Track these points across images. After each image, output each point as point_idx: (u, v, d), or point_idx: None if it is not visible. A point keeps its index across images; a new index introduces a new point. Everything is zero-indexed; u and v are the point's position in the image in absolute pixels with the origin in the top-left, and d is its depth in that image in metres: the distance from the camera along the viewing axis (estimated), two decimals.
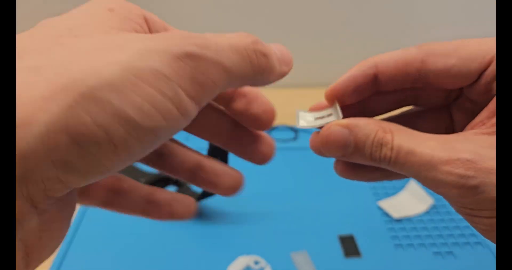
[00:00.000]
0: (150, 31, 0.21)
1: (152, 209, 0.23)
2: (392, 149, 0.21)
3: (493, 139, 0.20)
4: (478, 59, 0.22)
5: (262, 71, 0.20)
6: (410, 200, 0.48)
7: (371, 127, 0.22)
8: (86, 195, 0.22)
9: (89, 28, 0.17)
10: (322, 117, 0.25)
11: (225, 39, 0.18)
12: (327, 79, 0.89)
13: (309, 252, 0.41)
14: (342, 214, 0.46)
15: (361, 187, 0.50)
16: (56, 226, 0.16)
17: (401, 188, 0.49)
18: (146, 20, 0.21)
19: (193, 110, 0.17)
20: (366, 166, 0.24)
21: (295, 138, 0.61)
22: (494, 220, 0.20)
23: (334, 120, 0.23)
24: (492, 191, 0.19)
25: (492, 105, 0.21)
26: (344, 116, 0.24)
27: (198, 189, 0.47)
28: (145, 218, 0.24)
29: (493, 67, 0.22)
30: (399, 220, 0.45)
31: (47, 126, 0.13)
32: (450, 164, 0.20)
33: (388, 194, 0.49)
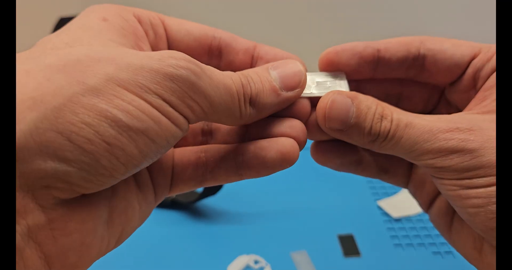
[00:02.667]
0: (146, 32, 0.21)
1: (252, 161, 0.21)
2: (391, 121, 0.21)
3: (489, 116, 0.21)
4: (469, 48, 0.24)
5: (249, 112, 0.20)
6: (409, 199, 0.48)
7: (371, 100, 0.22)
8: (178, 180, 0.22)
9: (86, 40, 0.18)
10: (325, 82, 0.23)
11: (220, 77, 0.19)
12: None
13: (308, 251, 0.41)
14: (342, 214, 0.47)
15: (361, 187, 0.51)
16: (73, 229, 0.16)
17: (400, 187, 0.49)
18: (139, 21, 0.21)
19: (183, 122, 0.17)
20: (343, 148, 0.24)
21: None
22: (492, 188, 0.19)
23: (335, 88, 0.22)
24: (492, 155, 0.19)
25: (480, 94, 0.22)
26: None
27: (199, 189, 0.47)
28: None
29: (482, 56, 0.23)
30: (398, 220, 0.46)
31: (36, 124, 0.14)
32: (450, 131, 0.20)
33: (388, 194, 0.49)
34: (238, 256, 0.40)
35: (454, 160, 0.20)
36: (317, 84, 0.22)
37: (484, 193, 0.19)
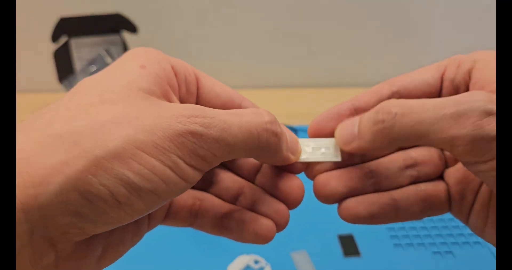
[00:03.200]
0: (179, 85, 0.23)
1: (233, 227, 0.25)
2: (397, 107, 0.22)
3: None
4: (435, 68, 0.25)
5: (268, 149, 0.21)
6: None
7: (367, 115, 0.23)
8: (171, 217, 0.25)
9: (119, 91, 0.19)
10: (319, 148, 0.25)
11: (236, 118, 0.20)
12: (326, 79, 0.89)
13: (308, 251, 0.41)
14: None
15: None
16: (72, 266, 0.18)
17: None
18: (174, 70, 0.22)
19: (194, 176, 0.19)
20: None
21: None
22: None
23: (328, 154, 0.24)
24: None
25: (472, 88, 0.23)
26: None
27: None
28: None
29: (450, 67, 0.24)
30: None
31: (61, 186, 0.16)
32: (475, 95, 0.20)
33: None
34: (238, 256, 0.40)
35: (484, 121, 0.19)
36: (313, 150, 0.25)
37: None
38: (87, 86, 0.20)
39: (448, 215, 0.46)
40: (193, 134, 0.18)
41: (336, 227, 0.44)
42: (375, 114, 0.22)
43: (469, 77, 0.24)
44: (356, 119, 0.23)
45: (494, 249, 0.41)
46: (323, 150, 0.25)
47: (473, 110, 0.20)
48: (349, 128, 0.23)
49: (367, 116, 0.22)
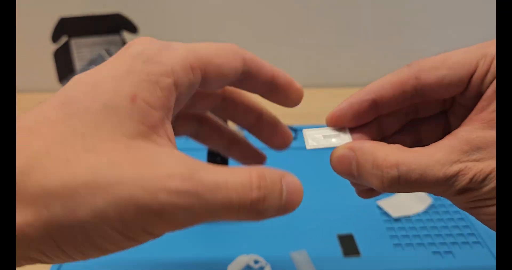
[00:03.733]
0: (181, 95, 0.22)
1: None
2: (398, 170, 0.22)
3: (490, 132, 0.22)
4: (466, 66, 0.23)
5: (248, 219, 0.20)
6: (409, 199, 0.48)
7: (369, 152, 0.23)
8: (179, 125, 0.30)
9: (104, 138, 0.18)
10: (330, 136, 0.25)
11: (220, 193, 0.18)
12: (327, 79, 0.89)
13: (308, 251, 0.41)
14: (341, 213, 0.47)
15: None
16: None
17: None
18: (175, 85, 0.21)
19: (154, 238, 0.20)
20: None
21: (294, 138, 0.61)
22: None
23: (342, 141, 0.25)
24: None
25: (480, 104, 0.23)
26: (358, 133, 0.26)
27: None
28: None
29: (479, 71, 0.23)
30: (398, 220, 0.46)
31: (22, 245, 0.17)
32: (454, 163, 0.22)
33: (388, 194, 0.49)
34: (238, 256, 0.40)
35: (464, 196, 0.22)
36: (324, 138, 0.25)
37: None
38: (73, 111, 0.19)
39: (447, 215, 0.46)
40: (168, 214, 0.18)
41: (335, 227, 0.45)
42: (377, 171, 0.22)
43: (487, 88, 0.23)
44: (352, 157, 0.24)
45: (494, 249, 0.41)
46: (333, 138, 0.25)
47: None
48: (346, 167, 0.24)
49: (369, 170, 0.23)
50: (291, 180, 0.21)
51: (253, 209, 0.19)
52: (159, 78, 0.20)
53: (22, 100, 0.51)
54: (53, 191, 0.17)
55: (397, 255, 0.41)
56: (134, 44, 0.21)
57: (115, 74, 0.20)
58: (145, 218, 0.18)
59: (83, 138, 0.18)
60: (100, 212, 0.17)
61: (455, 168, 0.21)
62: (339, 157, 0.24)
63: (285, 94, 0.27)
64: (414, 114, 0.28)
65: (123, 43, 0.68)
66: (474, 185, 0.21)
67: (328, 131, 0.26)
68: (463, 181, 0.21)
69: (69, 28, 0.65)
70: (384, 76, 0.25)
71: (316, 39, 0.78)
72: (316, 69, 0.81)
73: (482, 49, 0.23)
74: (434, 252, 0.41)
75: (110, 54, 0.67)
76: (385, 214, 0.46)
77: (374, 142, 0.24)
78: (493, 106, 0.22)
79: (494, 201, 0.21)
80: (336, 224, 0.45)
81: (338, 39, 0.78)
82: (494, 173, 0.21)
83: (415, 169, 0.21)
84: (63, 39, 0.66)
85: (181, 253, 0.42)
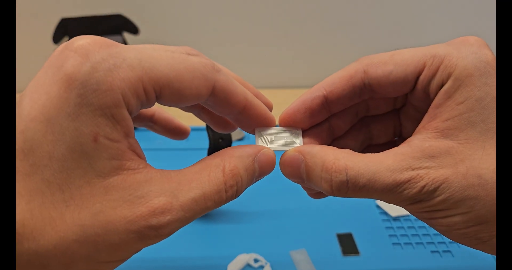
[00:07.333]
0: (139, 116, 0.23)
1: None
2: (346, 174, 0.22)
3: (438, 143, 0.22)
4: (413, 64, 0.23)
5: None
6: None
7: (319, 156, 0.23)
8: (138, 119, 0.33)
9: (76, 183, 0.18)
10: (282, 137, 0.25)
11: (198, 204, 0.20)
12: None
13: (307, 250, 0.41)
14: (341, 213, 0.47)
15: None
16: None
17: None
18: (129, 111, 0.20)
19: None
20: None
21: None
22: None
23: (292, 144, 0.25)
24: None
25: (432, 110, 0.23)
26: (309, 136, 0.26)
27: None
28: None
29: (426, 72, 0.23)
30: (397, 219, 0.46)
31: None
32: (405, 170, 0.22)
33: None
34: (238, 255, 0.41)
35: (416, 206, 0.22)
36: (275, 139, 0.25)
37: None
38: (39, 161, 0.18)
39: None
40: (154, 240, 0.20)
41: (335, 226, 0.45)
42: (326, 175, 0.23)
43: (435, 94, 0.23)
44: (301, 160, 0.24)
45: None
46: (285, 139, 0.25)
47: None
48: (295, 171, 0.24)
49: (318, 173, 0.23)
50: (264, 157, 0.23)
51: (227, 200, 0.21)
52: (113, 111, 0.18)
53: None
54: (47, 254, 0.18)
55: (396, 254, 0.41)
56: (71, 56, 0.18)
57: (67, 109, 0.18)
58: (135, 250, 0.20)
59: (61, 191, 0.18)
60: (94, 261, 0.19)
61: (405, 175, 0.21)
62: (288, 160, 0.24)
63: (255, 124, 0.25)
64: (364, 112, 0.28)
65: (124, 43, 0.68)
66: (425, 195, 0.21)
67: (281, 132, 0.25)
68: (413, 189, 0.21)
69: (70, 28, 0.66)
70: (334, 73, 0.25)
71: (318, 39, 0.78)
72: (317, 69, 0.81)
73: (432, 50, 0.23)
74: (433, 251, 0.42)
75: None
76: (384, 213, 0.47)
77: (324, 146, 0.24)
78: (446, 115, 0.22)
79: (448, 213, 0.21)
80: (335, 223, 0.45)
81: (337, 39, 0.78)
82: (447, 184, 0.21)
83: (363, 174, 0.21)
84: (64, 40, 0.66)
85: (181, 252, 0.42)
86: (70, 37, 0.67)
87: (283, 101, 0.74)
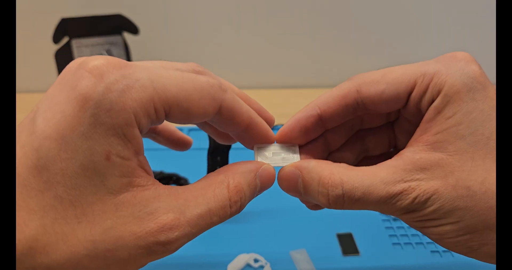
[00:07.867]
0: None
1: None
2: (342, 188, 0.23)
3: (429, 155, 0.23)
4: (404, 82, 0.24)
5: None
6: None
7: (315, 171, 0.24)
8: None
9: (88, 200, 0.19)
10: (279, 153, 0.26)
11: (204, 219, 0.21)
12: (326, 80, 0.89)
13: (307, 250, 0.41)
14: (340, 213, 0.46)
15: None
16: None
17: None
18: (140, 130, 0.20)
19: None
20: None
21: None
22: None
23: (289, 160, 0.26)
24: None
25: (423, 125, 0.24)
26: (306, 151, 0.27)
27: None
28: None
29: (417, 90, 0.24)
30: (397, 219, 0.46)
31: None
32: (397, 182, 0.23)
33: None
34: (238, 254, 0.41)
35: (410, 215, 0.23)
36: (273, 155, 0.26)
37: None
38: (52, 178, 0.18)
39: None
40: (162, 255, 0.21)
41: (335, 226, 0.45)
42: (323, 189, 0.23)
43: (426, 109, 0.23)
44: (298, 175, 0.24)
45: None
46: (283, 155, 0.26)
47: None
48: (293, 185, 0.25)
49: (315, 188, 0.24)
50: (265, 173, 0.24)
51: (231, 215, 0.22)
52: (125, 130, 0.19)
53: (22, 100, 0.51)
54: (59, 268, 0.18)
55: (396, 254, 0.41)
56: (86, 76, 0.19)
57: (81, 128, 0.18)
58: (142, 264, 0.20)
59: (73, 207, 0.18)
60: None
61: (398, 187, 0.22)
62: (286, 176, 0.25)
63: (255, 141, 0.26)
64: (359, 126, 0.29)
65: (124, 43, 0.68)
66: (417, 205, 0.22)
67: (278, 148, 0.26)
68: (406, 200, 0.22)
69: (70, 28, 0.66)
70: (328, 91, 0.26)
71: (318, 39, 0.78)
72: (317, 69, 0.81)
73: (422, 67, 0.24)
74: (433, 251, 0.42)
75: (111, 54, 0.67)
76: None
77: (320, 160, 0.25)
78: (436, 129, 0.23)
79: (439, 222, 0.22)
80: (335, 223, 0.45)
81: (337, 40, 0.78)
82: (437, 195, 0.22)
83: (358, 187, 0.22)
84: (64, 40, 0.66)
85: (181, 251, 0.42)
86: (70, 37, 0.67)
87: (283, 101, 0.74)
